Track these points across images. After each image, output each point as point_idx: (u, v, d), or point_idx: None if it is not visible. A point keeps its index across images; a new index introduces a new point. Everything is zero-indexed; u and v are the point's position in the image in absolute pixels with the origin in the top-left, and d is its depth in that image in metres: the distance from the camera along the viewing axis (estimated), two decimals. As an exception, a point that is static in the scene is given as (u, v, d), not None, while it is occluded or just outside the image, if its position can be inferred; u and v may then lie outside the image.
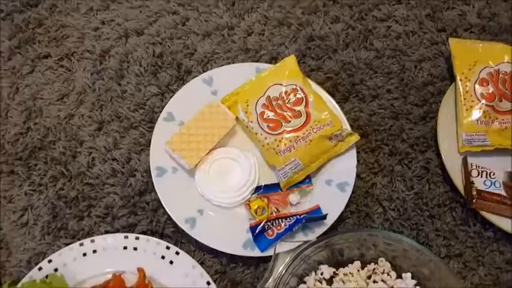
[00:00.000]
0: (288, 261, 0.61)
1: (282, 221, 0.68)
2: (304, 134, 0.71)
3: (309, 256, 0.63)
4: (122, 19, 0.84)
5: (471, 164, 0.72)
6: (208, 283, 0.65)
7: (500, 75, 0.76)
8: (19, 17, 0.83)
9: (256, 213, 0.69)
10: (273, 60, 0.82)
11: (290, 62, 0.77)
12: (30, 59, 0.80)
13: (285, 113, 0.73)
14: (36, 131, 0.75)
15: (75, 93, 0.78)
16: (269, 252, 0.67)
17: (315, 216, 0.68)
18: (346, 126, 0.74)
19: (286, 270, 0.61)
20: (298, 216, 0.68)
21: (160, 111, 0.76)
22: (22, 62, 0.80)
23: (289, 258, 0.61)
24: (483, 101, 0.75)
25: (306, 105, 0.73)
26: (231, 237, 0.68)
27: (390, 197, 0.73)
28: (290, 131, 0.72)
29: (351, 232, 0.65)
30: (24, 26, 0.82)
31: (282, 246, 0.63)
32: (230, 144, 0.75)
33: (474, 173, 0.72)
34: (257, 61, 0.81)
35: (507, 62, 0.77)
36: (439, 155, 0.75)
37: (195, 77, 0.79)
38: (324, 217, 0.67)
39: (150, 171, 0.71)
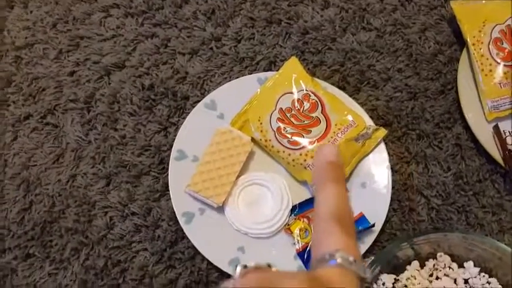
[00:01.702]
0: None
1: (330, 239, 0.64)
2: (329, 141, 0.66)
3: (371, 271, 0.60)
4: (97, 56, 0.76)
5: (504, 131, 0.69)
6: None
7: (514, 30, 0.72)
8: (-17, 82, 0.74)
9: (300, 237, 0.65)
10: (272, 64, 0.75)
11: (293, 64, 0.71)
12: (10, 124, 0.72)
13: (303, 123, 0.68)
14: (40, 203, 0.68)
15: (70, 150, 0.71)
16: (325, 276, 0.63)
17: (363, 227, 0.64)
18: (369, 121, 0.69)
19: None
20: (344, 231, 0.64)
21: (168, 149, 0.70)
22: (2, 129, 0.72)
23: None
24: (501, 62, 0.71)
25: (323, 109, 0.68)
26: (281, 268, 0.63)
27: (429, 184, 0.70)
28: (314, 142, 0.67)
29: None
30: (-7, 89, 0.74)
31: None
32: (251, 168, 0.69)
33: (509, 139, 0.69)
34: (255, 70, 0.75)
35: (516, 15, 0.72)
36: (467, 127, 0.71)
37: (194, 102, 0.72)
38: (373, 225, 0.64)
39: (175, 218, 0.65)
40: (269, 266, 0.30)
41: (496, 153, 0.69)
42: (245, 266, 0.28)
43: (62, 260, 0.66)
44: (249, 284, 0.27)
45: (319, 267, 0.29)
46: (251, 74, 0.74)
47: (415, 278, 0.62)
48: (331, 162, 0.33)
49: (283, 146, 0.67)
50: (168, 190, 0.67)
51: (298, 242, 0.65)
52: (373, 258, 0.59)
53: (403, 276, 0.62)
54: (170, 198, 0.67)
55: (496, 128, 0.70)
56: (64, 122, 0.72)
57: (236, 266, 0.28)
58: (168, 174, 0.68)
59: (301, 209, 0.67)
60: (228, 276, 0.64)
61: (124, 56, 0.76)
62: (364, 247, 0.64)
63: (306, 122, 0.68)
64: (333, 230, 0.30)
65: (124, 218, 0.68)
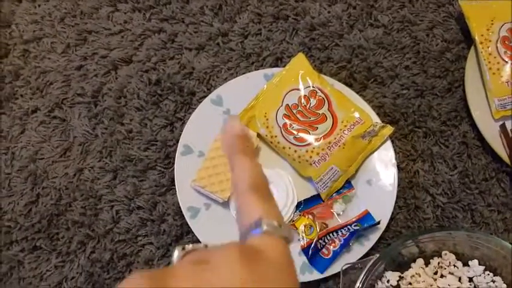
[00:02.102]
0: (362, 279, 0.58)
1: (335, 236, 0.64)
2: (335, 138, 0.66)
3: (376, 268, 0.60)
4: (104, 50, 0.76)
5: (510, 130, 0.69)
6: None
7: (522, 29, 0.71)
8: (-8, 73, 0.74)
9: (304, 233, 0.65)
10: (279, 60, 0.75)
11: (300, 61, 0.71)
12: (17, 117, 0.72)
13: (309, 120, 0.68)
14: (47, 196, 0.69)
15: (77, 144, 0.71)
16: (329, 272, 0.63)
17: (369, 224, 0.64)
18: (376, 118, 0.69)
19: (362, 287, 0.58)
20: (350, 228, 0.64)
21: (174, 144, 0.70)
22: (10, 122, 0.72)
23: (362, 275, 0.58)
24: (509, 61, 0.70)
25: (329, 106, 0.68)
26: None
27: (435, 181, 0.69)
28: (320, 139, 0.67)
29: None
30: (1, 82, 0.74)
31: (344, 266, 0.60)
32: (257, 164, 0.69)
33: (516, 138, 0.68)
34: (261, 66, 0.75)
35: (525, 13, 0.72)
36: (474, 125, 0.71)
37: (200, 98, 0.73)
38: (378, 223, 0.64)
39: (181, 213, 0.66)
40: (206, 246, 0.30)
41: (502, 152, 0.69)
42: (183, 248, 0.29)
43: (69, 252, 0.66)
44: (184, 265, 0.28)
45: (247, 238, 0.30)
46: (258, 70, 0.74)
47: (420, 276, 0.62)
48: (238, 135, 0.34)
49: (289, 142, 0.67)
50: (174, 185, 0.67)
51: (303, 238, 0.65)
52: (377, 255, 0.59)
53: (408, 274, 0.62)
54: (176, 193, 0.67)
55: (503, 127, 0.69)
56: (71, 116, 0.73)
57: (175, 248, 0.29)
58: (173, 169, 0.68)
59: (306, 205, 0.67)
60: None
61: (131, 50, 0.76)
62: (369, 244, 0.64)
63: (312, 118, 0.68)
64: (252, 200, 0.31)
65: (130, 212, 0.68)
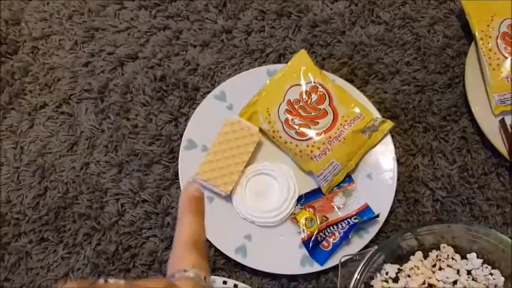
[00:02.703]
0: (360, 270, 0.59)
1: (335, 229, 0.66)
2: (336, 133, 0.68)
3: (374, 260, 0.61)
4: (111, 47, 0.78)
5: (510, 125, 0.70)
6: (274, 309, 0.63)
7: (522, 25, 0.72)
8: (2, 69, 0.76)
9: (305, 226, 0.66)
10: (281, 57, 0.77)
11: (302, 57, 0.72)
12: (26, 112, 0.74)
13: (310, 115, 0.69)
14: (54, 190, 0.70)
15: (84, 139, 0.73)
16: (329, 265, 0.64)
17: (368, 217, 0.65)
18: (376, 114, 0.70)
19: (360, 278, 0.59)
20: (349, 220, 0.66)
21: (178, 139, 0.71)
22: (19, 118, 0.74)
23: (360, 267, 0.59)
24: (509, 57, 0.71)
25: (330, 102, 0.69)
26: (286, 256, 0.65)
27: (435, 176, 0.70)
28: (320, 133, 0.68)
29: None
30: (10, 78, 0.76)
31: (343, 258, 0.61)
32: (259, 158, 0.71)
33: (515, 133, 0.69)
34: (264, 62, 0.76)
35: (525, 9, 0.72)
36: (473, 121, 0.72)
37: (204, 93, 0.74)
38: (377, 216, 0.65)
39: (185, 206, 0.67)
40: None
41: (501, 147, 0.70)
42: (106, 281, 0.31)
43: (75, 244, 0.68)
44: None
45: (175, 277, 0.34)
46: (261, 66, 0.75)
47: (419, 268, 0.63)
48: (193, 197, 0.38)
49: (291, 137, 0.69)
50: (178, 178, 0.69)
51: (303, 231, 0.66)
52: (376, 247, 0.60)
53: (407, 266, 0.63)
54: (180, 187, 0.68)
55: (502, 122, 0.70)
56: (78, 111, 0.74)
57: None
58: (178, 163, 0.69)
59: (307, 198, 0.69)
60: (235, 262, 0.65)
61: (137, 47, 0.78)
62: (368, 237, 0.65)
63: (313, 113, 0.69)
64: (187, 252, 0.35)
65: (135, 205, 0.70)
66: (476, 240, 0.63)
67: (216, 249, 0.66)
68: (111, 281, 0.31)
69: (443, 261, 0.64)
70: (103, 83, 0.75)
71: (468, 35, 0.77)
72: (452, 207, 0.69)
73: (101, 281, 0.30)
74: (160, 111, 0.74)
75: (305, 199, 0.69)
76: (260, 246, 0.66)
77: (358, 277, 0.59)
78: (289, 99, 0.70)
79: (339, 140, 0.67)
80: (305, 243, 0.65)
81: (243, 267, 0.66)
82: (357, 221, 0.65)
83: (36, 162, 0.72)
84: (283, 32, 0.78)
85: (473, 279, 0.62)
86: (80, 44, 0.78)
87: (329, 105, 0.69)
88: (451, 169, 0.71)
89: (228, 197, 0.68)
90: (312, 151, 0.67)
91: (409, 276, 0.63)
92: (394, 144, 0.70)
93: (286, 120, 0.69)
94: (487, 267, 0.62)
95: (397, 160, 0.69)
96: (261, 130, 0.70)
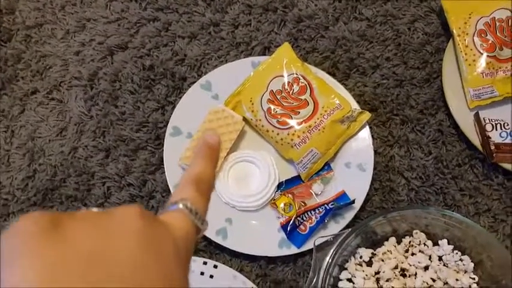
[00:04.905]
0: (332, 253, 0.61)
1: (312, 214, 0.68)
2: (315, 122, 0.70)
3: (347, 243, 0.63)
4: (102, 37, 0.80)
5: (484, 118, 0.72)
6: (252, 290, 0.65)
7: (497, 23, 0.74)
8: (-5, 56, 0.79)
9: (284, 211, 0.69)
10: (266, 50, 0.79)
11: (285, 50, 0.74)
12: (18, 98, 0.77)
13: (291, 105, 0.71)
14: (43, 172, 0.73)
15: (73, 124, 0.75)
16: (305, 247, 0.67)
17: (344, 203, 0.67)
18: (355, 105, 0.73)
19: (332, 262, 0.61)
20: (326, 206, 0.68)
21: (164, 126, 0.74)
22: (10, 103, 0.76)
23: (333, 249, 0.62)
24: (485, 53, 0.74)
25: (311, 93, 0.72)
26: (265, 239, 0.68)
27: (410, 166, 0.73)
28: (301, 122, 0.70)
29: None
30: (3, 65, 0.78)
31: (318, 241, 0.63)
32: (241, 146, 0.73)
33: (488, 127, 0.72)
34: (250, 54, 0.79)
35: (501, 9, 0.75)
36: (450, 115, 0.75)
37: (191, 83, 0.77)
38: (353, 202, 0.67)
39: (169, 190, 0.70)
40: None
41: (476, 140, 0.72)
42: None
43: (62, 224, 0.70)
44: (87, 211, 0.28)
45: (164, 211, 0.32)
46: (246, 58, 0.78)
47: (391, 253, 0.65)
48: (210, 144, 0.37)
49: (272, 125, 0.71)
50: (163, 164, 0.71)
51: (282, 216, 0.69)
52: (349, 230, 0.62)
53: (380, 251, 0.65)
54: (164, 172, 0.71)
55: (477, 116, 0.73)
56: (68, 98, 0.77)
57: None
58: (163, 149, 0.72)
59: (287, 185, 0.71)
60: (216, 244, 0.68)
61: (127, 37, 0.80)
62: (344, 222, 0.68)
63: (294, 103, 0.72)
64: (188, 187, 0.33)
65: (120, 189, 0.72)
66: (449, 228, 0.65)
67: (198, 232, 0.68)
68: (83, 209, 0.29)
69: (416, 247, 0.66)
70: (93, 71, 0.78)
71: (447, 33, 0.80)
72: (426, 196, 0.72)
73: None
74: (147, 99, 0.77)
75: (285, 186, 0.71)
76: (240, 229, 0.68)
77: (331, 260, 0.62)
78: (272, 90, 0.72)
79: (319, 129, 0.70)
80: (283, 227, 0.68)
81: (223, 249, 0.68)
82: (333, 206, 0.67)
83: (26, 145, 0.74)
84: (268, 26, 0.81)
85: (444, 265, 0.65)
86: (71, 33, 0.81)
87: (310, 96, 0.72)
88: (427, 160, 0.73)
89: (211, 182, 0.70)
90: (292, 139, 0.70)
91: (382, 260, 0.65)
92: (372, 135, 0.73)
93: (269, 109, 0.72)
94: (457, 253, 0.65)
95: (375, 150, 0.72)
96: (244, 119, 0.73)
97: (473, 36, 0.75)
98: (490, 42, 0.74)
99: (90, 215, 0.27)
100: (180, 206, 0.31)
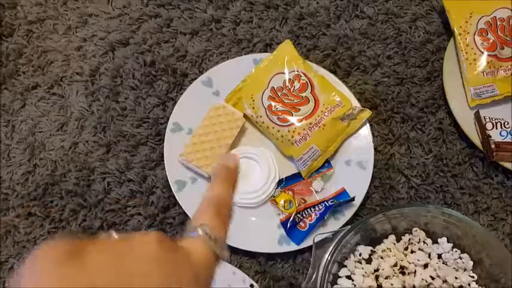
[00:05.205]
0: (331, 250, 0.61)
1: (312, 211, 0.68)
2: (316, 119, 0.70)
3: (347, 240, 0.63)
4: (103, 32, 0.80)
5: (484, 117, 0.72)
6: (251, 286, 0.65)
7: (498, 23, 0.75)
8: (-4, 51, 0.79)
9: (284, 208, 0.69)
10: (268, 47, 0.79)
11: (286, 47, 0.75)
12: (19, 92, 0.77)
13: (292, 102, 0.72)
14: (43, 167, 0.73)
15: (74, 119, 0.75)
16: (305, 244, 0.67)
17: (344, 200, 0.68)
18: (356, 103, 0.73)
19: (331, 259, 0.61)
20: (326, 203, 0.68)
21: (165, 122, 0.74)
22: (11, 97, 0.76)
23: (332, 247, 0.62)
24: (485, 52, 0.74)
25: (312, 90, 0.72)
26: (265, 236, 0.68)
27: (410, 164, 0.73)
28: (302, 119, 0.71)
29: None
30: (5, 59, 0.78)
31: (317, 238, 0.63)
32: (242, 143, 0.73)
33: (489, 125, 0.72)
34: (251, 51, 0.79)
35: (502, 8, 0.75)
36: (450, 113, 0.75)
37: (192, 79, 0.77)
38: (353, 199, 0.68)
39: (169, 186, 0.70)
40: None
41: (476, 138, 0.72)
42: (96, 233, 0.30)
43: (61, 219, 0.70)
44: (107, 237, 0.29)
45: (183, 237, 0.32)
46: (247, 55, 0.78)
47: (391, 251, 0.65)
48: (228, 167, 0.38)
49: (273, 122, 0.71)
50: (163, 160, 0.71)
51: (282, 213, 0.69)
52: (349, 227, 0.62)
53: (379, 248, 0.65)
54: (165, 168, 0.71)
55: (477, 114, 0.73)
56: (70, 93, 0.77)
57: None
58: (163, 145, 0.72)
59: (288, 182, 0.71)
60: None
61: (128, 33, 0.80)
62: (344, 219, 0.68)
63: (295, 101, 0.72)
64: (207, 212, 0.34)
65: (121, 184, 0.72)
66: (448, 226, 0.65)
67: (198, 228, 0.68)
68: (103, 234, 0.29)
69: (415, 245, 0.66)
70: (94, 67, 0.78)
71: (448, 32, 0.80)
72: (426, 194, 0.72)
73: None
74: (148, 95, 0.77)
75: (285, 183, 0.71)
76: (240, 225, 0.68)
77: (330, 257, 0.61)
78: (273, 87, 0.73)
79: (319, 127, 0.70)
80: (283, 223, 0.68)
81: (223, 246, 0.68)
82: (333, 203, 0.67)
83: (26, 140, 0.74)
84: (270, 24, 0.81)
85: (443, 263, 0.65)
86: (73, 28, 0.81)
87: (311, 93, 0.72)
88: (427, 158, 0.73)
89: (210, 178, 0.70)
90: (292, 136, 0.70)
91: (381, 257, 0.65)
92: (373, 133, 0.73)
93: (269, 106, 0.72)
94: (456, 251, 0.65)
95: (375, 148, 0.72)
96: (245, 115, 0.73)
97: (474, 35, 0.75)
98: (490, 41, 0.74)
99: (109, 243, 0.27)
100: (200, 232, 0.32)
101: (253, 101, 0.72)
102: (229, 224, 0.35)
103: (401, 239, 0.66)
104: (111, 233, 0.29)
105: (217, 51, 0.79)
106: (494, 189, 0.72)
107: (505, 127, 0.72)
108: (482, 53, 0.74)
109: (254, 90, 0.73)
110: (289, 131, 0.70)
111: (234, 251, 0.68)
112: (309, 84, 0.72)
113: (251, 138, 0.74)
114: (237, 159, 0.38)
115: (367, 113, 0.72)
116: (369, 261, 0.65)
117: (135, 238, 0.28)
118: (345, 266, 0.64)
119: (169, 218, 0.70)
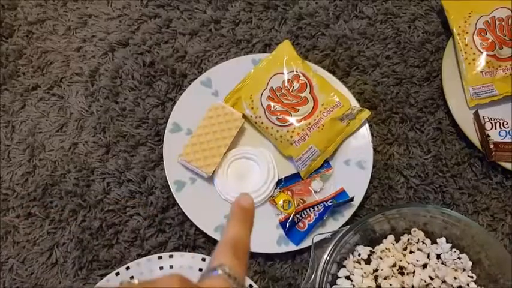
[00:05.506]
0: (330, 250, 0.62)
1: (311, 211, 0.68)
2: (315, 120, 0.70)
3: (346, 240, 0.63)
4: (103, 33, 0.81)
5: (483, 117, 0.72)
6: (250, 286, 0.65)
7: (497, 22, 0.75)
8: (-4, 52, 0.79)
9: (283, 208, 0.69)
10: (267, 47, 0.80)
11: (285, 47, 0.75)
12: (18, 93, 0.77)
13: (291, 102, 0.72)
14: (43, 167, 0.73)
15: (74, 120, 0.76)
16: (304, 245, 0.67)
17: (343, 200, 0.68)
18: (355, 103, 0.73)
19: (330, 259, 0.61)
20: (325, 203, 0.68)
21: (164, 122, 0.74)
22: (11, 98, 0.77)
23: (331, 247, 0.62)
24: (484, 52, 0.74)
25: (311, 90, 0.72)
26: (264, 236, 0.68)
27: (410, 164, 0.73)
28: (301, 120, 0.71)
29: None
30: (5, 60, 0.79)
31: (316, 238, 0.63)
32: (241, 143, 0.74)
33: (488, 125, 0.72)
34: (251, 51, 0.79)
35: (500, 8, 0.75)
36: (449, 113, 0.75)
37: (191, 80, 0.77)
38: (352, 199, 0.68)
39: (168, 186, 0.70)
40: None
41: (475, 138, 0.72)
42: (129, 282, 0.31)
43: (61, 220, 0.70)
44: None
45: (204, 277, 0.33)
46: (246, 55, 0.78)
47: (390, 251, 0.65)
48: (244, 207, 0.39)
49: (272, 122, 0.71)
50: (163, 160, 0.71)
51: (281, 213, 0.69)
52: (348, 227, 0.62)
53: (378, 249, 0.65)
54: (164, 168, 0.71)
55: (476, 114, 0.73)
56: (69, 94, 0.77)
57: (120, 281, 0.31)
58: (163, 146, 0.72)
59: (286, 182, 0.71)
60: (214, 241, 0.68)
61: (128, 34, 0.80)
62: (343, 220, 0.68)
63: (294, 101, 0.72)
64: (226, 252, 0.35)
65: (120, 184, 0.72)
66: (447, 226, 0.65)
67: (197, 228, 0.69)
68: (125, 283, 0.30)
69: (414, 245, 0.66)
70: (94, 68, 0.78)
71: (447, 31, 0.80)
72: (425, 194, 0.72)
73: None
74: (148, 95, 0.77)
75: (284, 183, 0.71)
76: (239, 226, 0.68)
77: (329, 257, 0.62)
78: (272, 87, 0.73)
79: (318, 127, 0.70)
80: (282, 223, 0.68)
81: (222, 246, 0.68)
82: (332, 203, 0.67)
83: (26, 141, 0.74)
84: (269, 24, 0.81)
85: (442, 263, 0.65)
86: (73, 29, 0.81)
87: (310, 93, 0.72)
88: (426, 158, 0.73)
89: (210, 179, 0.71)
90: (291, 136, 0.70)
91: (380, 258, 0.65)
92: (372, 133, 0.73)
93: (268, 106, 0.72)
94: (455, 252, 0.65)
95: (374, 148, 0.72)
96: (244, 116, 0.73)
97: (473, 35, 0.75)
98: (489, 41, 0.74)
99: None
100: (220, 272, 0.32)
101: (252, 101, 0.73)
102: (247, 263, 0.36)
103: (400, 239, 0.67)
104: (132, 281, 0.30)
105: (217, 52, 0.79)
106: (494, 190, 0.72)
107: (504, 127, 0.72)
108: (481, 52, 0.74)
109: (253, 90, 0.73)
110: (288, 131, 0.70)
111: (233, 251, 0.68)
112: (308, 84, 0.72)
113: (250, 139, 0.74)
114: (251, 199, 0.39)
115: (366, 113, 0.72)
116: (367, 261, 0.65)
117: (157, 283, 0.29)
118: (344, 266, 0.64)
119: (168, 219, 0.70)
